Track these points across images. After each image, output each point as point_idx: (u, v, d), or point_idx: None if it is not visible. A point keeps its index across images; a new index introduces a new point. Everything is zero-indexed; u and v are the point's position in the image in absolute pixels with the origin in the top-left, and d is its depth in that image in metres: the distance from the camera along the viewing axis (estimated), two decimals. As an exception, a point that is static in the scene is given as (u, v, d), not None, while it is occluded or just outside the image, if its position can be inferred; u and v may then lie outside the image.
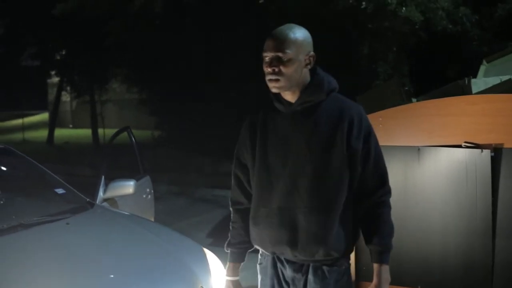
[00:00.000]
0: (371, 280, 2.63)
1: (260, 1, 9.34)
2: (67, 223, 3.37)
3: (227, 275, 2.67)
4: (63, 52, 20.85)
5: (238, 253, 2.64)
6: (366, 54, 11.15)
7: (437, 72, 10.92)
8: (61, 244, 3.13)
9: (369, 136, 2.46)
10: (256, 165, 2.47)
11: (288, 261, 2.48)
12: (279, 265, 2.50)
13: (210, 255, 3.25)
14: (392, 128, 4.31)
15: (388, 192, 2.57)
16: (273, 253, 2.50)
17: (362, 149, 2.42)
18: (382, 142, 4.30)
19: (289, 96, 2.43)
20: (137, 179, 4.63)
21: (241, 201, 2.60)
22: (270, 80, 2.37)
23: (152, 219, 4.82)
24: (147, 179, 5.11)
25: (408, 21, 9.99)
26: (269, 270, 2.54)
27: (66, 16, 14.07)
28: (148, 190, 5.06)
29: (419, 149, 4.15)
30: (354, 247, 2.65)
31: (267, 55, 2.36)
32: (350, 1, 9.80)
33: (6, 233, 3.10)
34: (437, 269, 4.15)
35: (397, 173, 4.28)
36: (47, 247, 3.04)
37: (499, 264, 3.98)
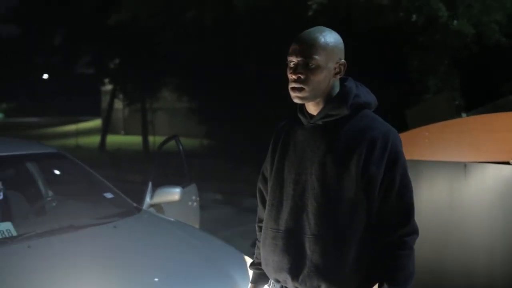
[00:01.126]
0: None
1: (310, 13, 9.36)
2: (114, 226, 3.48)
3: None
4: (117, 61, 21.42)
5: (260, 274, 2.37)
6: (416, 67, 11.01)
7: (490, 86, 10.70)
8: (108, 246, 3.24)
9: (395, 163, 2.09)
10: (271, 181, 2.25)
11: None
12: None
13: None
14: (438, 143, 4.28)
15: (412, 232, 2.09)
16: (277, 281, 2.23)
17: (384, 178, 2.07)
18: (427, 157, 4.32)
19: (313, 108, 2.16)
20: (183, 187, 4.72)
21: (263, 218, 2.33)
22: (293, 88, 2.09)
23: (197, 226, 4.90)
24: (193, 187, 5.20)
25: (460, 34, 9.81)
26: None
27: (120, 26, 14.48)
28: (194, 197, 5.15)
29: (465, 165, 4.11)
30: None
31: (292, 60, 2.08)
32: (401, 14, 9.73)
33: (57, 233, 3.23)
34: (483, 287, 4.08)
35: (442, 189, 4.24)
36: (94, 249, 3.15)
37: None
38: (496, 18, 9.75)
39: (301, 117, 2.20)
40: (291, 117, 2.27)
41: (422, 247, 4.29)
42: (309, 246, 2.08)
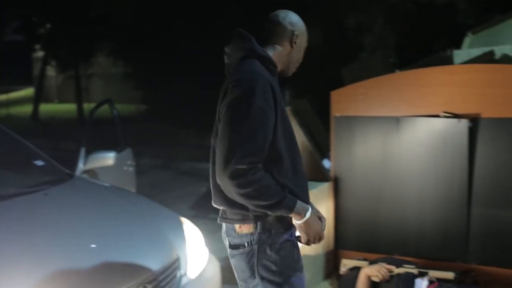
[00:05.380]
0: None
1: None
2: (46, 194, 3.36)
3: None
4: (48, 26, 20.60)
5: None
6: (352, 26, 11.10)
7: (424, 44, 10.92)
8: (40, 215, 3.12)
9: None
10: (287, 133, 2.28)
11: None
12: None
13: (187, 225, 3.26)
14: (372, 99, 4.32)
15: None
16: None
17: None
18: (362, 112, 4.36)
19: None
20: (118, 151, 4.62)
21: None
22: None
23: (134, 191, 4.82)
24: (128, 151, 5.10)
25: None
26: None
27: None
28: (129, 162, 5.05)
29: (398, 119, 4.17)
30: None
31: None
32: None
33: (-17, 204, 3.09)
34: (414, 238, 4.21)
35: (376, 144, 4.31)
36: (25, 218, 3.03)
37: (474, 233, 4.04)
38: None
39: (273, 73, 2.35)
40: (261, 68, 2.28)
41: (358, 201, 4.40)
42: None
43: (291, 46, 2.40)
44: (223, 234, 2.43)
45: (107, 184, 4.02)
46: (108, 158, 4.27)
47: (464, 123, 3.95)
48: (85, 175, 4.20)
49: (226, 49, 2.39)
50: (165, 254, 2.85)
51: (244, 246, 2.28)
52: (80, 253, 2.75)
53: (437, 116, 4.04)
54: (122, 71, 18.01)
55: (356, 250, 4.40)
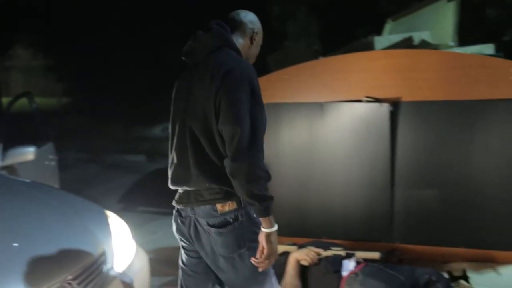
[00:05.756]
0: None
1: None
2: (-40, 193, 3.19)
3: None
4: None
5: None
6: (277, 15, 11.16)
7: (347, 32, 11.11)
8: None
9: None
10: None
11: None
12: None
13: (113, 218, 3.18)
14: (297, 85, 4.36)
15: None
16: None
17: None
18: (287, 99, 4.39)
19: None
20: (38, 146, 4.45)
21: None
22: None
23: (57, 186, 4.67)
24: (49, 146, 4.93)
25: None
26: None
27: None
28: (50, 157, 4.88)
29: (322, 105, 4.23)
30: None
31: None
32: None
33: None
34: (341, 221, 4.30)
35: (302, 130, 4.36)
36: None
37: (397, 214, 4.18)
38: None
39: None
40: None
41: (286, 187, 4.43)
42: None
43: (251, 42, 2.57)
44: (193, 217, 2.42)
45: (27, 180, 3.86)
46: (28, 153, 4.10)
47: (385, 107, 4.05)
48: (3, 172, 4.02)
49: (201, 37, 2.45)
50: (90, 249, 2.77)
51: (231, 222, 2.35)
52: (1, 253, 2.63)
53: (360, 101, 4.13)
54: (43, 63, 17.38)
55: (285, 235, 4.41)
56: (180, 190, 2.45)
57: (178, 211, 2.50)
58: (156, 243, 5.13)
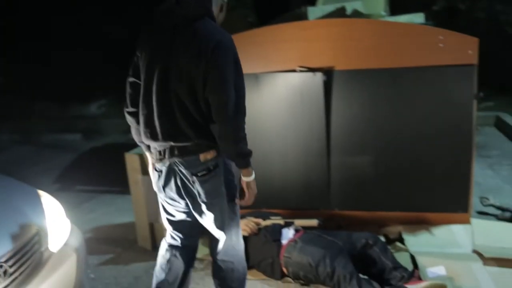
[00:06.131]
0: None
1: None
2: None
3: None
4: None
5: None
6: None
7: (281, 2, 11.07)
8: None
9: None
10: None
11: None
12: None
13: (46, 198, 3.10)
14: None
15: None
16: None
17: None
18: (222, 71, 4.35)
19: None
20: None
21: None
22: None
23: (-13, 168, 4.49)
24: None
25: None
26: None
27: None
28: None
29: (257, 76, 4.22)
30: None
31: None
32: None
33: None
34: (279, 190, 4.34)
35: (238, 101, 4.34)
36: None
37: (334, 181, 4.25)
38: None
39: None
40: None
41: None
42: None
43: (220, 10, 2.81)
44: (177, 169, 2.70)
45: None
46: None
47: (318, 77, 4.09)
48: None
49: (184, 2, 2.60)
50: (22, 230, 2.70)
51: (211, 169, 2.66)
52: None
53: (294, 71, 4.15)
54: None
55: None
56: (156, 146, 2.70)
57: (159, 170, 2.77)
58: (94, 222, 5.05)
